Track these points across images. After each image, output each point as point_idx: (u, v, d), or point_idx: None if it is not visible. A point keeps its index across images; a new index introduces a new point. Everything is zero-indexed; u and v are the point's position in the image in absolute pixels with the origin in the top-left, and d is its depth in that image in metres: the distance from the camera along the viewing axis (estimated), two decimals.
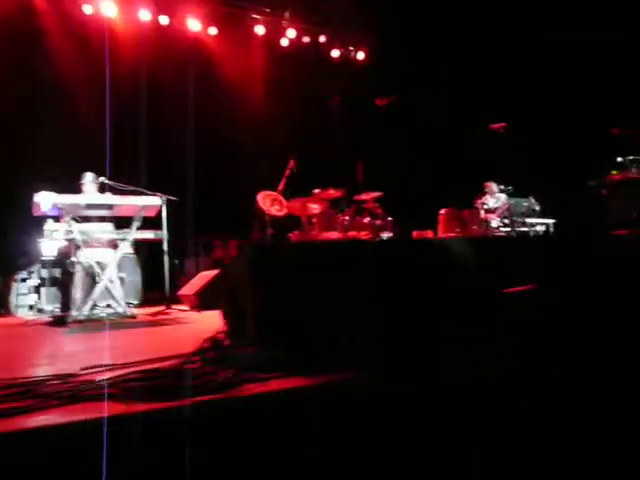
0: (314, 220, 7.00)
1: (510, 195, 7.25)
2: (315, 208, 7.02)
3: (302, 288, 2.54)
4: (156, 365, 2.25)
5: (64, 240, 5.71)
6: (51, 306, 6.83)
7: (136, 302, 6.82)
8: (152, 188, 5.99)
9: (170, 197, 5.98)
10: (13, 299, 7.09)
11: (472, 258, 2.89)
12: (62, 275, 6.19)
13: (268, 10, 8.95)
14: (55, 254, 6.85)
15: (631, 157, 6.34)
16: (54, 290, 6.86)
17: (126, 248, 6.87)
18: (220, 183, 8.12)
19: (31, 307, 7.04)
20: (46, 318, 6.09)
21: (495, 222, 7.12)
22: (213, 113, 8.05)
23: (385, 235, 7.03)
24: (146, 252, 7.10)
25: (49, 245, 6.96)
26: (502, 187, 7.34)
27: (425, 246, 3.14)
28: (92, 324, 5.06)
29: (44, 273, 7.04)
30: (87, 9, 8.37)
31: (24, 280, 7.09)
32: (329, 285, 2.59)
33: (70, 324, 5.12)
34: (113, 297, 5.59)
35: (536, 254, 3.39)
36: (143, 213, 5.58)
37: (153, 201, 5.59)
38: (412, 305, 2.59)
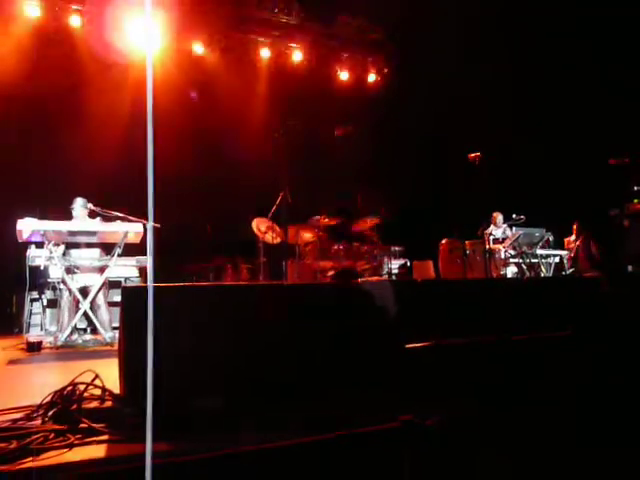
0: (308, 248, 6.81)
1: (521, 225, 6.78)
2: (309, 236, 6.82)
3: (169, 336, 2.37)
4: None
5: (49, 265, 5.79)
6: (55, 327, 6.96)
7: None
8: (156, 214, 5.97)
9: (154, 224, 5.95)
10: (26, 319, 7.27)
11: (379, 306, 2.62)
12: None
13: (276, 33, 8.93)
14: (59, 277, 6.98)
15: None
16: (56, 312, 7.00)
17: (127, 272, 7.00)
18: (227, 208, 8.12)
19: (42, 327, 7.21)
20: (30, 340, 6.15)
21: (503, 253, 6.67)
22: (217, 137, 8.09)
23: (384, 264, 6.73)
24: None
25: (55, 268, 7.12)
26: (514, 216, 6.88)
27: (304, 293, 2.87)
28: (63, 351, 5.07)
29: (49, 295, 7.19)
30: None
31: (35, 300, 7.29)
32: (201, 333, 2.40)
33: (43, 349, 5.17)
34: (96, 323, 5.62)
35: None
36: (125, 239, 5.60)
37: (135, 228, 5.59)
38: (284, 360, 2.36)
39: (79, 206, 6.14)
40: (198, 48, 9.00)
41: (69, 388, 2.30)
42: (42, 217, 5.44)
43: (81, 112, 7.74)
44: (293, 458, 1.85)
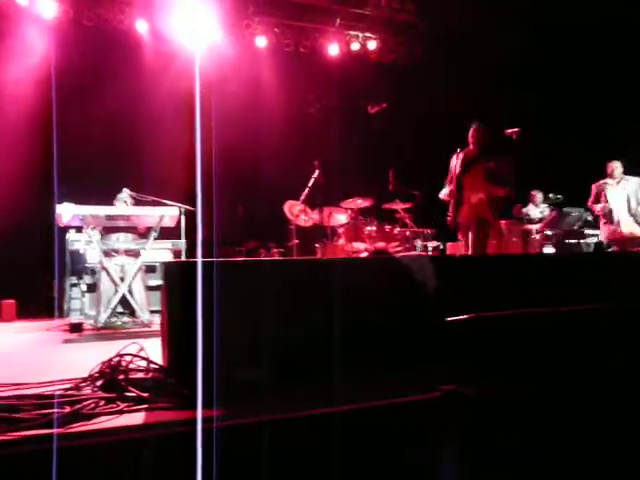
0: (340, 230, 6.80)
1: (559, 205, 6.63)
2: (341, 218, 6.81)
3: (217, 311, 2.40)
4: (48, 388, 2.21)
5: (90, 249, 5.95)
6: (94, 311, 7.15)
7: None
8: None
9: (188, 207, 6.05)
10: (66, 303, 7.49)
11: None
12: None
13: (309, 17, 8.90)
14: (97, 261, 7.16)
15: None
16: (95, 296, 7.18)
17: (162, 256, 7.13)
18: (259, 191, 8.17)
19: (81, 312, 7.41)
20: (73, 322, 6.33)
21: (539, 233, 6.53)
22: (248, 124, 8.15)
23: (417, 245, 6.68)
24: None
25: (93, 252, 7.30)
26: (551, 196, 6.73)
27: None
28: (103, 332, 5.21)
29: (88, 279, 7.36)
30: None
31: (75, 285, 7.49)
32: (249, 308, 2.43)
33: (85, 331, 5.32)
34: (134, 305, 5.75)
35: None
36: (162, 223, 5.69)
37: (171, 211, 5.68)
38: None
39: (123, 195, 6.35)
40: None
41: (116, 359, 2.36)
42: (82, 203, 5.58)
43: (131, 105, 7.96)
44: (337, 425, 1.87)
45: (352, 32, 9.68)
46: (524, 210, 7.06)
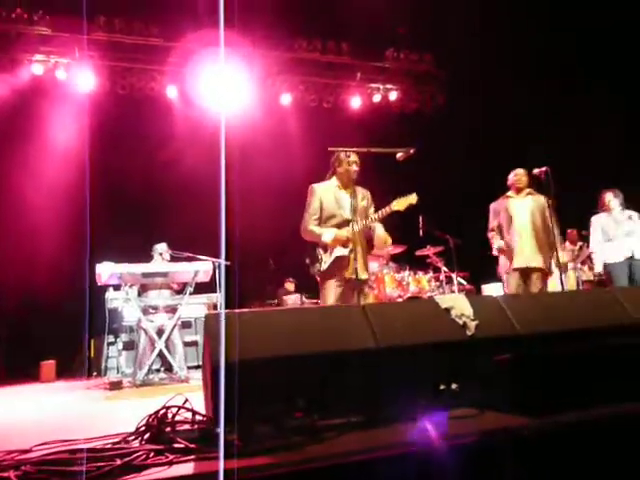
0: (373, 279, 6.77)
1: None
2: (373, 266, 6.81)
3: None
4: (94, 444, 2.22)
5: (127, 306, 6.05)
6: (131, 369, 7.19)
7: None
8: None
9: (224, 262, 6.15)
10: (103, 362, 7.56)
11: None
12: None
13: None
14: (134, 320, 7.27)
15: None
16: (133, 354, 7.24)
17: (197, 311, 7.21)
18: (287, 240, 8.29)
19: (118, 370, 7.46)
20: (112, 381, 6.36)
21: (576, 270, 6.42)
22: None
23: (450, 290, 6.62)
24: None
25: (130, 310, 7.42)
26: (584, 232, 6.63)
27: None
28: (143, 389, 5.23)
29: (124, 337, 7.45)
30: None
31: (112, 344, 7.58)
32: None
33: (125, 388, 5.35)
34: (171, 361, 5.79)
35: None
36: (197, 278, 5.80)
37: (205, 266, 5.78)
38: None
39: (158, 250, 6.52)
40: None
41: (162, 411, 2.37)
42: (119, 261, 5.74)
43: (163, 166, 8.32)
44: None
45: (373, 85, 9.98)
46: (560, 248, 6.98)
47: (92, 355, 7.96)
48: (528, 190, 5.35)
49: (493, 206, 5.53)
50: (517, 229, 5.23)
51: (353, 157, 4.24)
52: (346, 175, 4.24)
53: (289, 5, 7.95)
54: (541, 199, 5.23)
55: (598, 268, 6.09)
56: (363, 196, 4.32)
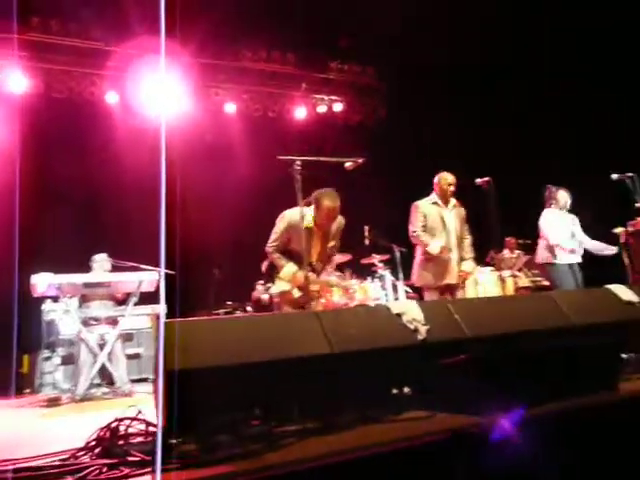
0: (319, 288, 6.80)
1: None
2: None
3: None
4: (43, 461, 2.13)
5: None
6: (68, 385, 6.86)
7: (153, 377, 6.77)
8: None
9: (168, 271, 6.00)
10: (37, 378, 7.17)
11: None
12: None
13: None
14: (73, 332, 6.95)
15: None
16: (71, 368, 6.92)
17: (140, 323, 6.99)
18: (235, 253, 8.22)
19: (54, 386, 7.09)
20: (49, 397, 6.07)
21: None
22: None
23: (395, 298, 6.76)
24: None
25: (69, 322, 7.09)
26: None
27: None
28: (84, 405, 5.01)
29: (62, 351, 7.10)
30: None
31: (48, 358, 7.20)
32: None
33: (63, 405, 5.11)
34: (114, 375, 5.58)
35: None
36: (141, 288, 5.63)
37: (149, 276, 5.63)
38: None
39: (98, 260, 6.25)
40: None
41: (114, 424, 2.30)
42: (56, 272, 5.48)
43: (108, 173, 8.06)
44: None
45: (317, 95, 10.10)
46: (499, 255, 7.27)
47: (26, 371, 7.53)
48: (454, 202, 5.09)
49: (422, 207, 5.16)
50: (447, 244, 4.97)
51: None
52: None
53: (235, 15, 7.93)
54: (462, 211, 5.05)
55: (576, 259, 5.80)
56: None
